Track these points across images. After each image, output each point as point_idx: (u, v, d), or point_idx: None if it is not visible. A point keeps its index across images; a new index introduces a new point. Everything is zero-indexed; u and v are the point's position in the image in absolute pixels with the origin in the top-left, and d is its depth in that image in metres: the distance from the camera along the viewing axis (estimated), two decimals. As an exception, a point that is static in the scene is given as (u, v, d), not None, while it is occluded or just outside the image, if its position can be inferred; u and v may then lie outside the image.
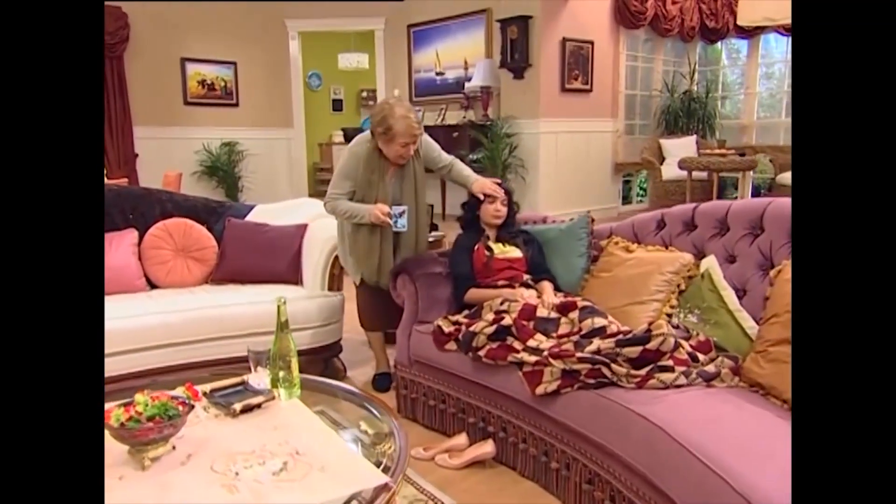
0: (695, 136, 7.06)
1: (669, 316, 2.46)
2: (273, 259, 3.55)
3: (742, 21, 6.33)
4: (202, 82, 7.57)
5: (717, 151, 5.86)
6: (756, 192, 7.89)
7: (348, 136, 10.39)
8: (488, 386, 2.50)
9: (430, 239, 3.51)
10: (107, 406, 1.59)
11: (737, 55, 8.86)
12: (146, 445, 1.53)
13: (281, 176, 8.28)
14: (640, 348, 2.05)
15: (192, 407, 1.62)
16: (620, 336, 2.15)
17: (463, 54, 7.26)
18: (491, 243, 2.94)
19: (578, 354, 2.12)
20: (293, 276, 3.54)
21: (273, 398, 1.87)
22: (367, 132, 3.09)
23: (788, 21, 6.36)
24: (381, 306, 3.19)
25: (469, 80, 7.03)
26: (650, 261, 2.58)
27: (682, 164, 5.94)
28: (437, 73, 7.57)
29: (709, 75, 8.35)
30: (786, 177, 6.01)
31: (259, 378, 2.01)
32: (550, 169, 6.49)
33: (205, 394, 1.89)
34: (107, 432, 1.53)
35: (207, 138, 7.55)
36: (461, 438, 2.60)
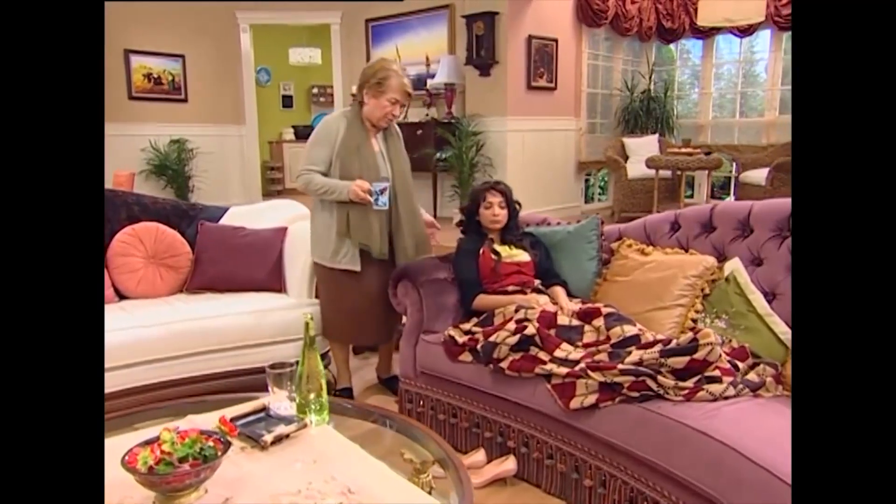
0: (657, 135, 7.10)
1: (695, 321, 2.39)
2: (253, 265, 3.32)
3: (702, 21, 6.36)
4: (148, 76, 7.15)
5: (685, 150, 5.88)
6: (712, 191, 8.04)
7: (300, 133, 10.08)
8: (509, 399, 2.36)
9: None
10: (131, 446, 1.38)
11: (687, 55, 8.99)
12: (178, 491, 1.32)
13: (233, 175, 7.91)
14: (686, 358, 1.95)
15: (229, 444, 1.41)
16: (661, 346, 2.05)
17: (424, 50, 7.08)
18: (496, 246, 2.80)
19: (620, 367, 2.00)
20: (275, 283, 3.32)
21: (305, 426, 1.68)
22: (346, 107, 2.94)
23: (746, 22, 6.46)
24: (355, 314, 2.98)
25: (431, 76, 6.85)
26: (671, 264, 2.50)
27: (650, 163, 5.94)
28: (397, 70, 7.36)
29: (663, 75, 8.43)
30: (749, 175, 6.10)
31: (279, 401, 1.82)
32: (517, 168, 6.40)
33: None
34: (132, 478, 1.32)
35: (154, 135, 7.13)
36: (479, 455, 2.45)
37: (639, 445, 1.93)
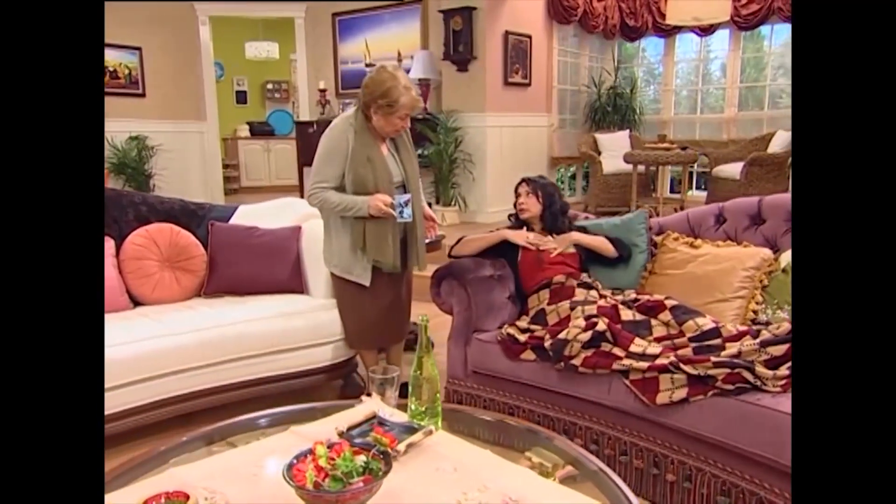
0: (627, 131, 7.22)
1: (755, 313, 2.42)
2: (272, 266, 3.17)
3: (671, 20, 6.51)
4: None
5: (662, 145, 6.00)
6: (673, 185, 8.24)
7: (255, 130, 9.78)
8: (578, 396, 2.33)
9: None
10: (290, 461, 1.27)
11: (643, 54, 9.20)
12: (343, 510, 1.22)
13: (194, 173, 7.60)
14: (786, 346, 1.96)
15: (390, 457, 1.32)
16: (749, 337, 2.06)
17: (396, 45, 6.98)
18: (534, 236, 2.79)
19: (714, 359, 2.00)
20: (297, 284, 3.18)
21: (431, 432, 1.60)
22: (347, 112, 2.80)
23: (713, 20, 6.63)
24: (379, 318, 2.89)
25: (405, 72, 6.75)
26: (728, 256, 2.52)
27: (629, 158, 6.04)
28: (367, 65, 7.21)
29: (624, 73, 8.58)
30: (723, 169, 6.28)
31: (384, 407, 1.73)
32: (497, 163, 6.39)
33: (341, 434, 1.58)
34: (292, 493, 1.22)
35: (111, 132, 6.75)
36: (546, 454, 2.41)
37: (740, 439, 1.92)
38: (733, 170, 6.07)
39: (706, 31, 7.61)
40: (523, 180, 2.90)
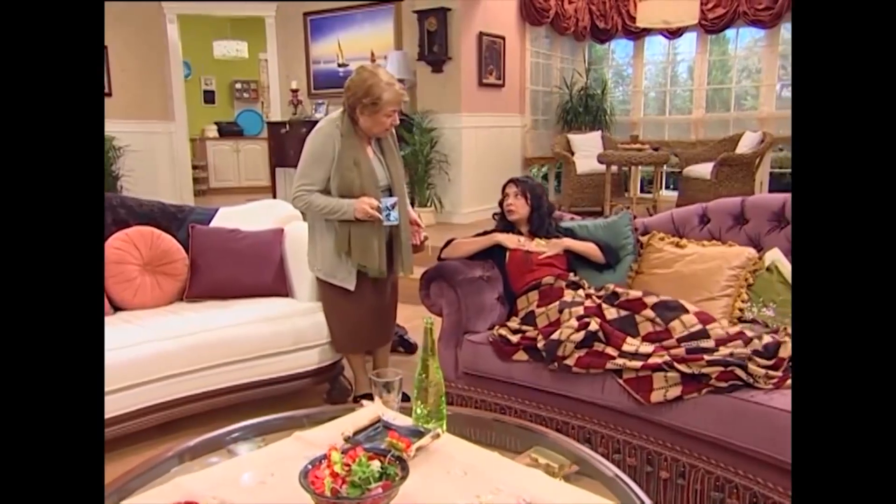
0: (600, 132, 7.30)
1: (742, 311, 2.46)
2: (255, 269, 3.14)
3: (641, 22, 6.61)
4: (68, 68, 6.59)
5: (635, 146, 6.09)
6: (643, 185, 8.37)
7: (223, 130, 9.64)
8: (571, 396, 2.34)
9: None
10: (306, 467, 1.26)
11: (612, 56, 9.32)
12: (362, 516, 1.21)
13: (163, 175, 7.45)
14: (773, 360, 2.01)
15: (406, 462, 1.31)
16: (741, 342, 2.11)
17: (369, 45, 6.94)
18: (525, 240, 2.80)
19: (708, 357, 2.04)
20: (281, 287, 3.15)
21: (439, 436, 1.59)
22: (333, 114, 2.77)
23: (682, 24, 6.76)
24: (365, 322, 2.88)
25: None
26: (713, 255, 2.56)
27: (603, 158, 6.11)
28: (340, 65, 7.18)
29: (594, 74, 8.68)
30: (694, 169, 6.38)
31: (388, 410, 1.72)
32: (472, 164, 6.41)
33: (347, 439, 1.56)
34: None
35: (77, 132, 6.59)
36: (539, 454, 2.42)
37: (733, 435, 1.95)
38: (704, 170, 6.19)
39: (674, 33, 7.73)
40: (511, 181, 2.89)
